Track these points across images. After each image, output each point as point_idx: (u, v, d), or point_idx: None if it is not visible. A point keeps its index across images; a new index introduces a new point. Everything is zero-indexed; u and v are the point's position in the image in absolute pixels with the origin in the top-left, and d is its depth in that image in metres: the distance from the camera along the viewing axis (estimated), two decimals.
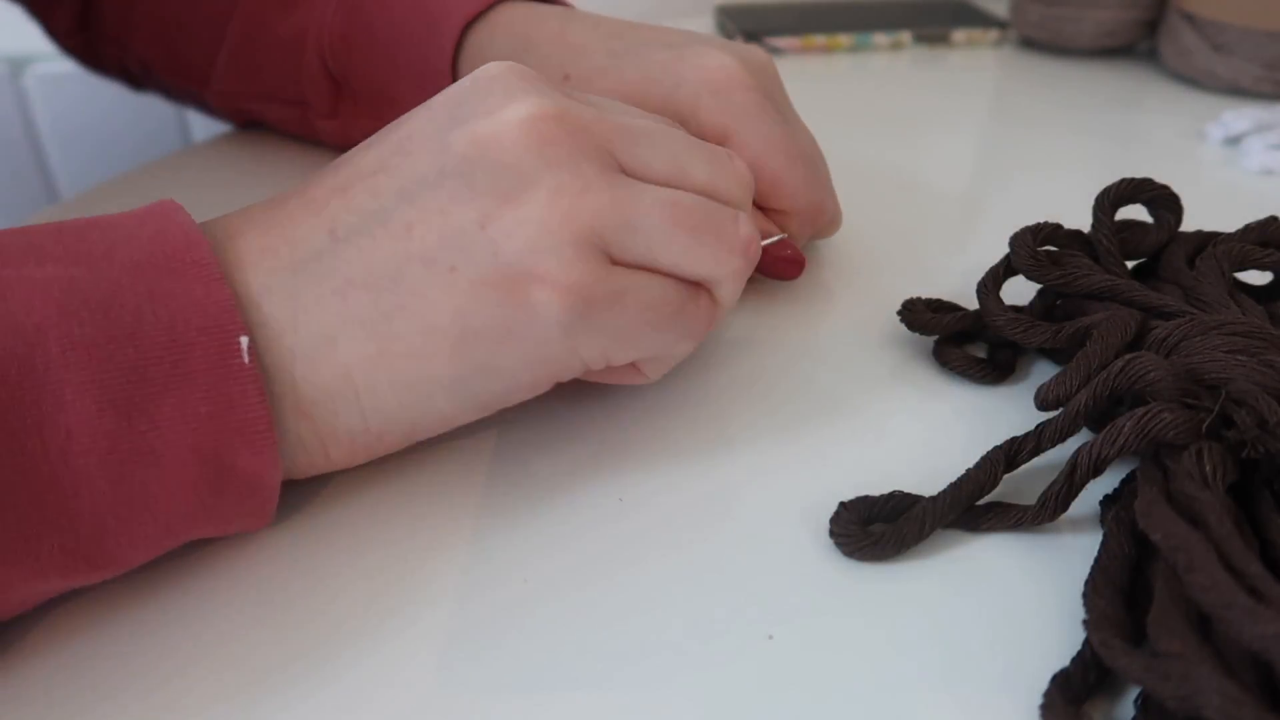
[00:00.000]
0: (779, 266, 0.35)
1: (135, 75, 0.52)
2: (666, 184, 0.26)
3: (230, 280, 0.23)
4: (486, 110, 0.25)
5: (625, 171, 0.26)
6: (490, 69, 0.26)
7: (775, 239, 0.34)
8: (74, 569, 0.22)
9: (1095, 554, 0.24)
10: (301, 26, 0.43)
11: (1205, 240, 0.33)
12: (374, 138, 0.26)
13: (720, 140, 0.34)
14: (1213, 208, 0.38)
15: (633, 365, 0.28)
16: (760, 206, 0.35)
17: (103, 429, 0.21)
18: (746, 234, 0.27)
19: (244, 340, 0.22)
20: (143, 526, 0.22)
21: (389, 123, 0.27)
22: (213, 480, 0.23)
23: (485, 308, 0.24)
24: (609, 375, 0.28)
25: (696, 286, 0.27)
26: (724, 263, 0.26)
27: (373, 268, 0.24)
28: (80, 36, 0.51)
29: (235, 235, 0.24)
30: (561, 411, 0.31)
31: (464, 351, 0.24)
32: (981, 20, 0.68)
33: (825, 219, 0.36)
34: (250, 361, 0.22)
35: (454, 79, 0.39)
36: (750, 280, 0.39)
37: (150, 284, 0.22)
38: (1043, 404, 0.28)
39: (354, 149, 0.26)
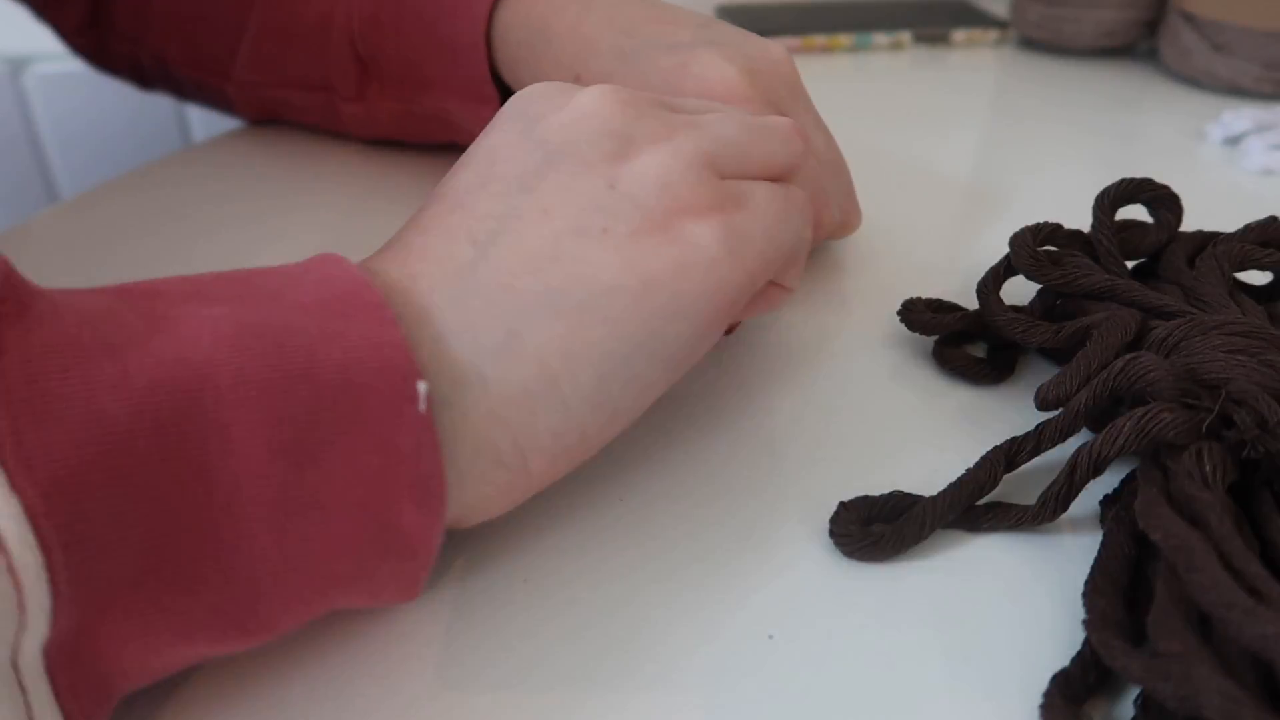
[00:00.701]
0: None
1: (147, 72, 0.52)
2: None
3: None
4: (556, 106, 0.26)
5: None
6: (526, 91, 0.27)
7: None
8: (223, 633, 0.20)
9: (1095, 554, 0.24)
10: (328, 10, 0.44)
11: (1205, 240, 0.33)
12: (455, 168, 0.26)
13: None
14: (1213, 208, 0.38)
15: (774, 284, 0.29)
16: None
17: (273, 477, 0.19)
18: (786, 123, 0.29)
19: (422, 386, 0.21)
20: (299, 589, 0.21)
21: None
22: (374, 539, 0.21)
23: (650, 252, 0.24)
24: (761, 302, 0.29)
25: (784, 183, 0.28)
26: (791, 145, 0.28)
27: (529, 256, 0.23)
28: (90, 34, 0.51)
29: (375, 275, 0.23)
30: None
31: (649, 299, 0.24)
32: (981, 20, 0.68)
33: (848, 229, 0.37)
34: (427, 410, 0.21)
35: (487, 53, 0.40)
36: None
37: (322, 324, 0.21)
38: (1043, 404, 0.28)
39: (441, 183, 0.26)
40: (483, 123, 0.28)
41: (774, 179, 0.28)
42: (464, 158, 0.26)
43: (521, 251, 0.23)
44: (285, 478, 0.19)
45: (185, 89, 0.51)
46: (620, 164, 0.25)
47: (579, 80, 0.37)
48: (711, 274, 0.25)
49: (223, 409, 0.19)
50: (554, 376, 0.23)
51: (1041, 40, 0.65)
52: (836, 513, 0.26)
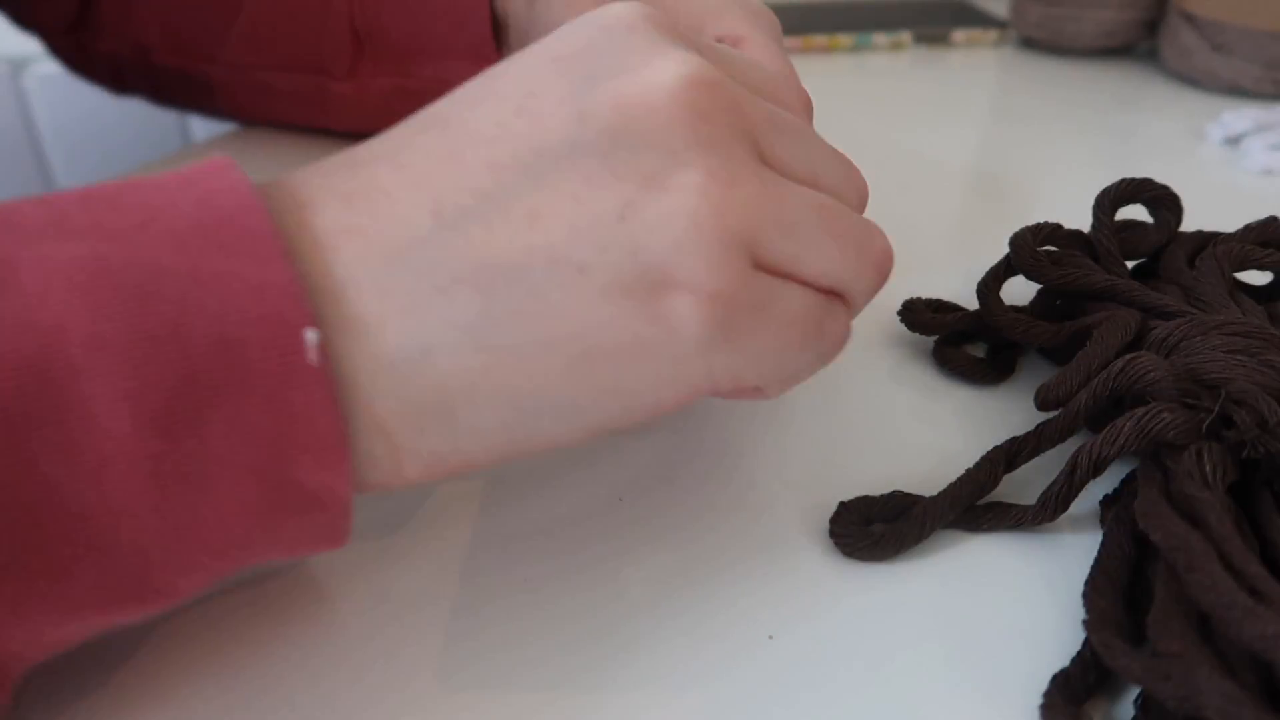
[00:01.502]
0: None
1: (126, 70, 0.51)
2: (801, 181, 0.23)
3: (304, 263, 0.19)
4: (630, 66, 0.21)
5: (765, 160, 0.22)
6: (619, 10, 0.22)
7: None
8: (117, 606, 0.19)
9: (1095, 554, 0.24)
10: None
11: (1205, 240, 0.33)
12: (480, 88, 0.22)
13: None
14: (1213, 208, 0.38)
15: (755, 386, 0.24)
16: None
17: (144, 451, 0.18)
18: (883, 245, 0.24)
19: (311, 335, 0.18)
20: (194, 555, 0.19)
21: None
22: (274, 500, 0.19)
23: (615, 319, 0.20)
24: (729, 394, 0.24)
25: (833, 299, 0.23)
26: (864, 275, 0.23)
27: (486, 263, 0.20)
28: (75, 34, 0.51)
29: (309, 204, 0.20)
30: None
31: (584, 370, 0.20)
32: (981, 20, 0.68)
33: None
34: (320, 361, 0.18)
35: (492, 17, 0.39)
36: None
37: (196, 261, 0.18)
38: (1043, 404, 0.28)
39: (456, 100, 0.22)
40: None
41: (827, 288, 0.23)
42: (493, 80, 0.22)
43: (480, 255, 0.20)
44: (159, 449, 0.18)
45: (163, 83, 0.50)
46: (648, 192, 0.20)
47: None
48: (671, 366, 0.21)
49: (79, 382, 0.17)
50: (453, 408, 0.20)
51: (1041, 40, 0.65)
52: (836, 513, 0.26)
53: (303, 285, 0.19)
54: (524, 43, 0.37)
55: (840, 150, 0.25)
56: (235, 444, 0.18)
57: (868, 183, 0.34)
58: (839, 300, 0.24)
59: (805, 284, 0.22)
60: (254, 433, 0.18)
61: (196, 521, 0.19)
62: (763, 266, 0.21)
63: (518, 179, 0.20)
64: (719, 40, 0.34)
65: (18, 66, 0.81)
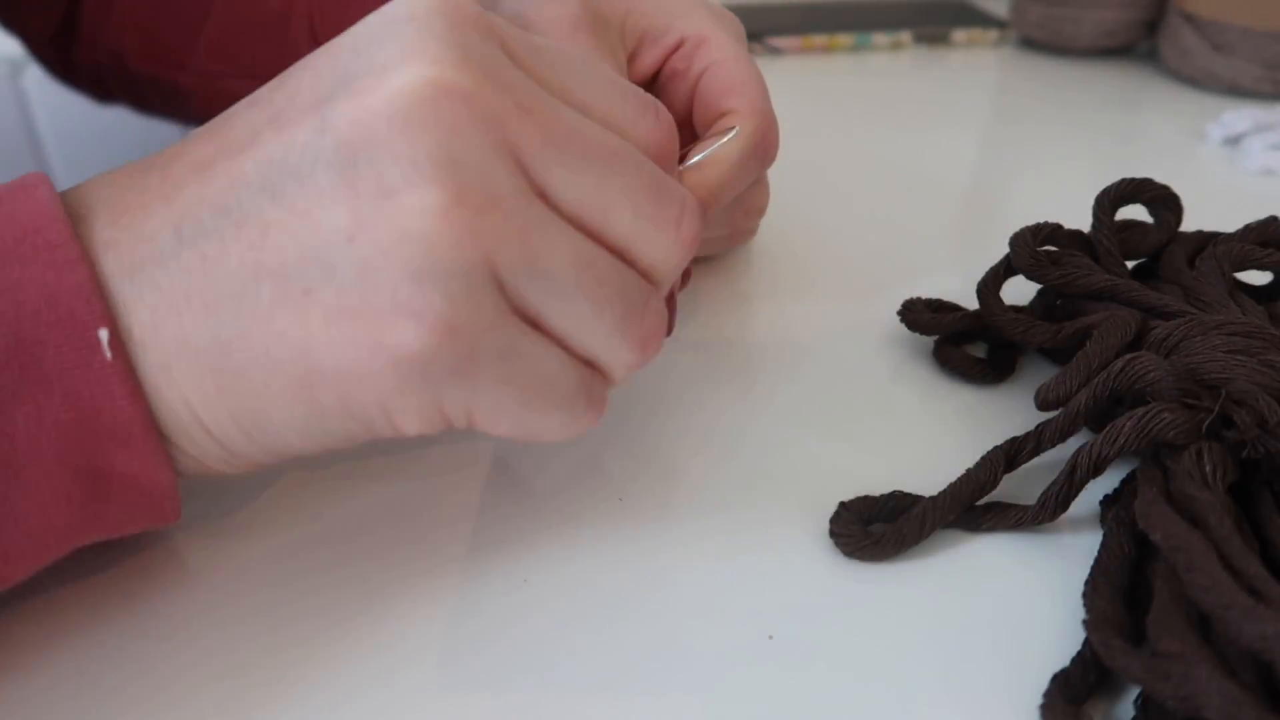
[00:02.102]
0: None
1: (107, 78, 0.51)
2: (578, 222, 0.21)
3: (96, 267, 0.20)
4: (379, 68, 0.19)
5: (535, 189, 0.20)
6: (368, 26, 0.20)
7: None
8: None
9: (1095, 554, 0.24)
10: None
11: (1205, 240, 0.33)
12: (266, 89, 0.21)
13: None
14: (1213, 208, 0.38)
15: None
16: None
17: None
18: (653, 325, 0.22)
19: (103, 334, 0.19)
20: (13, 544, 0.20)
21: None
22: (90, 490, 0.20)
23: (338, 344, 0.19)
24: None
25: (590, 368, 0.22)
26: (619, 351, 0.22)
27: (216, 282, 0.20)
28: (59, 43, 0.51)
29: (86, 217, 0.20)
30: None
31: (309, 393, 0.20)
32: (981, 20, 0.68)
33: (739, 238, 0.34)
34: (114, 356, 0.19)
35: None
36: (745, 279, 0.39)
37: None
38: (1043, 404, 0.28)
39: (243, 102, 0.21)
40: None
41: (580, 353, 0.21)
42: (279, 81, 0.21)
43: (211, 273, 0.20)
44: None
45: (141, 90, 0.50)
46: (382, 208, 0.19)
47: None
48: (399, 399, 0.20)
49: None
50: (202, 424, 0.21)
51: (1041, 40, 0.65)
52: (836, 513, 0.26)
53: (95, 287, 0.19)
54: None
55: (679, 188, 0.22)
56: (42, 439, 0.19)
57: (767, 198, 0.34)
58: (596, 371, 0.22)
59: (560, 344, 0.21)
60: (59, 427, 0.19)
61: (14, 514, 0.19)
62: (515, 310, 0.20)
63: (255, 194, 0.20)
64: (682, 42, 0.33)
65: (18, 66, 0.81)
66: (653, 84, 0.35)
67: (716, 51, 0.33)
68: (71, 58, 0.51)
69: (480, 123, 0.19)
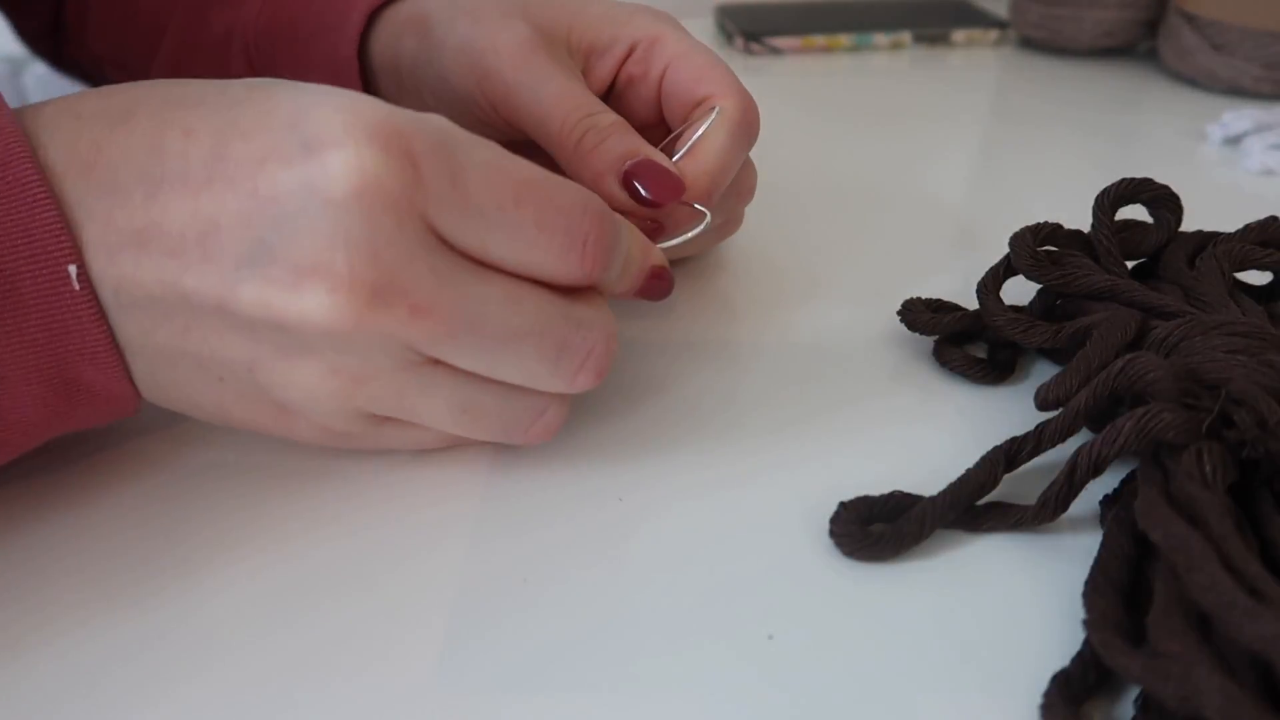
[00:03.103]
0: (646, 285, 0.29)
1: (93, 74, 0.51)
2: (475, 377, 0.25)
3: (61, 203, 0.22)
4: (290, 271, 0.22)
5: (432, 360, 0.24)
6: (336, 178, 0.22)
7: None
8: None
9: (1095, 554, 0.24)
10: (230, 22, 0.41)
11: (1205, 240, 0.33)
12: (205, 166, 0.23)
13: None
14: (1213, 208, 0.38)
15: None
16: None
17: None
18: (536, 433, 0.27)
19: (72, 269, 0.22)
20: (2, 433, 0.24)
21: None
22: (63, 395, 0.24)
23: (246, 415, 0.25)
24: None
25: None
26: (501, 441, 0.27)
27: (151, 341, 0.24)
28: (50, 40, 0.51)
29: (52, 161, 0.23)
30: None
31: (229, 422, 0.26)
32: (981, 20, 0.68)
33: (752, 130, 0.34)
34: (81, 287, 0.22)
35: (361, 68, 0.37)
36: (745, 279, 0.39)
37: None
38: (1043, 404, 0.28)
39: (186, 151, 0.23)
40: None
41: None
42: (211, 175, 0.23)
43: (145, 338, 0.24)
44: None
45: None
46: (277, 360, 0.24)
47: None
48: (310, 437, 0.26)
49: None
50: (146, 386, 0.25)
51: (1041, 40, 0.65)
52: (836, 513, 0.26)
53: (64, 224, 0.22)
54: (406, 82, 0.36)
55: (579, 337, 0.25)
56: (20, 354, 0.23)
57: (755, 177, 0.36)
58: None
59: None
60: (35, 345, 0.23)
61: (1, 409, 0.23)
62: (393, 420, 0.26)
63: (179, 302, 0.23)
64: (634, 48, 0.34)
65: (18, 66, 0.81)
66: (609, 94, 0.35)
67: (673, 46, 0.34)
68: (63, 55, 0.51)
69: (368, 335, 0.23)
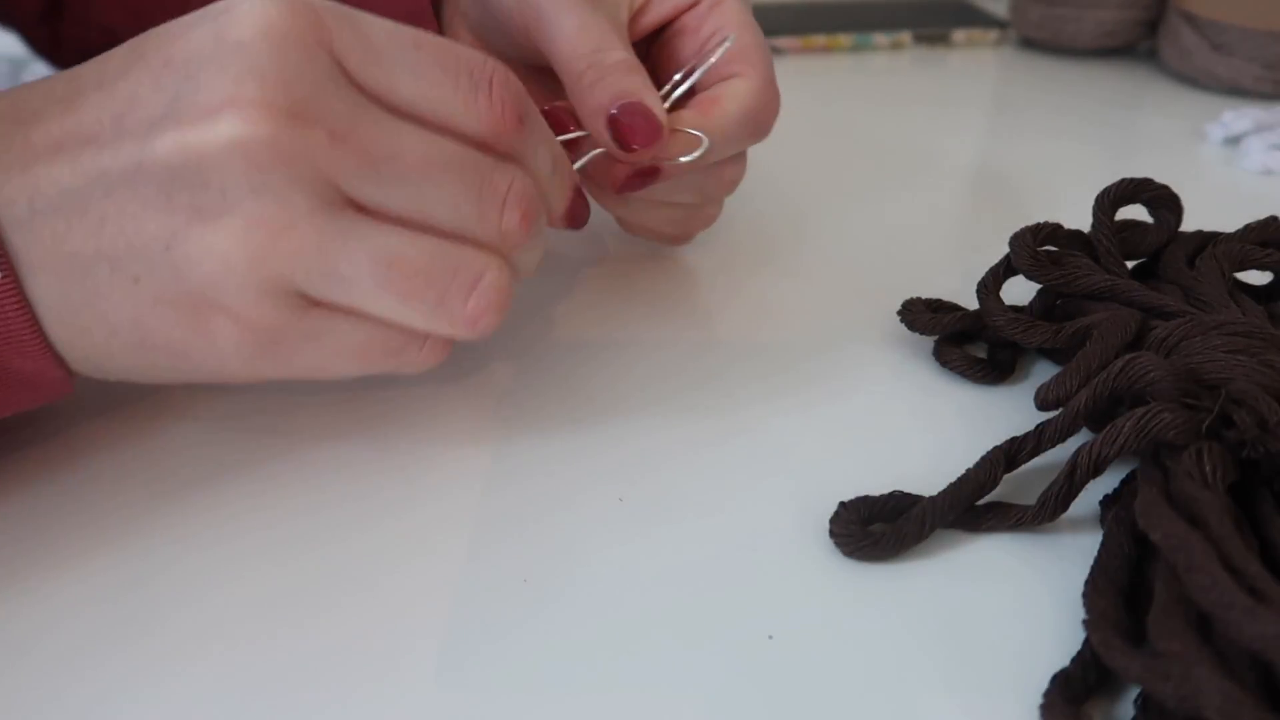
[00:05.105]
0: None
1: (96, 52, 0.51)
2: (401, 222, 0.24)
3: None
4: (205, 101, 0.22)
5: (354, 204, 0.23)
6: (249, 14, 0.23)
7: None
8: None
9: (1095, 554, 0.24)
10: None
11: (1205, 240, 0.33)
12: (115, 68, 0.23)
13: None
14: (1213, 208, 0.38)
15: None
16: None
17: None
18: (476, 307, 0.25)
19: None
20: None
21: None
22: None
23: (164, 326, 0.23)
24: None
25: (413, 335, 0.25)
26: (440, 327, 0.25)
27: (63, 257, 0.23)
28: (48, 24, 0.51)
29: None
30: (561, 411, 0.31)
31: (144, 355, 0.24)
32: (981, 20, 0.68)
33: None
34: (4, 276, 0.22)
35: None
36: (746, 279, 0.39)
37: None
38: (1043, 404, 0.28)
39: (93, 73, 0.23)
40: None
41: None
42: (128, 67, 0.23)
43: (59, 249, 0.23)
44: None
45: None
46: (194, 227, 0.22)
47: None
48: (220, 369, 0.24)
49: None
50: (75, 356, 0.24)
51: (1041, 40, 0.65)
52: (836, 513, 0.26)
53: None
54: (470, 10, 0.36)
55: (508, 167, 0.25)
56: None
57: (743, 174, 0.35)
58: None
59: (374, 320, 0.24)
60: None
61: None
62: (320, 304, 0.24)
63: (93, 186, 0.22)
64: (699, 0, 0.34)
65: (18, 66, 0.81)
66: (655, 38, 0.35)
67: (730, 16, 0.34)
68: (61, 37, 0.51)
69: (286, 159, 0.22)
